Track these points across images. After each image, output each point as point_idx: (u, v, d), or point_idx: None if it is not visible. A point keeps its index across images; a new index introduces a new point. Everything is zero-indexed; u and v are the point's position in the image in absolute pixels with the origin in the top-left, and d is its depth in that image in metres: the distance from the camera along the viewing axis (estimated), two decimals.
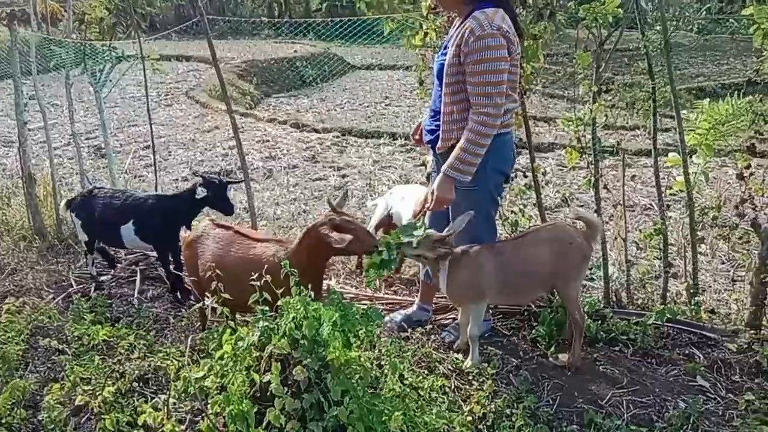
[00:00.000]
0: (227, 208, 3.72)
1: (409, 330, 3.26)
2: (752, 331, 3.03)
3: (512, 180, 3.67)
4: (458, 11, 2.81)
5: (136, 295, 3.88)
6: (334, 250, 2.72)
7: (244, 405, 2.18)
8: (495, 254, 2.90)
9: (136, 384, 2.73)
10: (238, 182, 4.11)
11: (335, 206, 2.72)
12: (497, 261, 2.87)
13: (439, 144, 2.87)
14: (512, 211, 3.74)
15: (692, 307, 3.33)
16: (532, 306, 3.41)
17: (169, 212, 3.69)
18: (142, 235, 3.74)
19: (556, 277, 2.89)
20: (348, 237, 2.59)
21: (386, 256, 2.66)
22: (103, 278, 4.10)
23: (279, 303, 2.37)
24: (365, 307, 2.51)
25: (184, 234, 3.19)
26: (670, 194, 4.76)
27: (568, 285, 2.90)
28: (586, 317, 3.16)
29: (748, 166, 3.22)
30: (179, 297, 3.76)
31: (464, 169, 2.69)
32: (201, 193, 3.60)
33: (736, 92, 3.45)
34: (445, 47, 2.83)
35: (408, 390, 2.51)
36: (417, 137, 3.21)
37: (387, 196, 4.05)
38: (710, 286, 4.05)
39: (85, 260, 4.16)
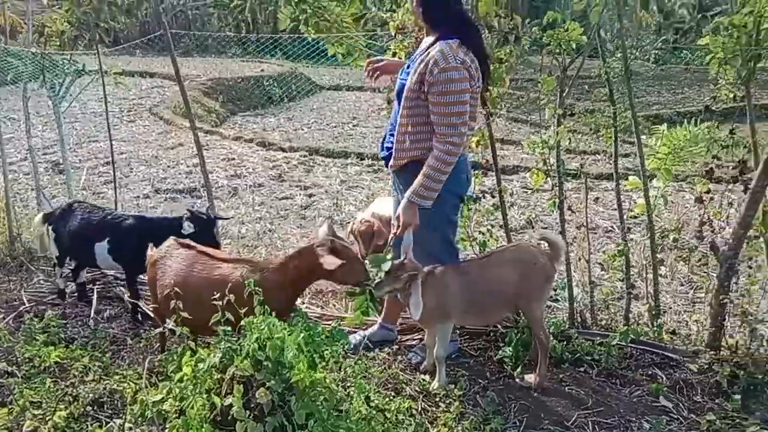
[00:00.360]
0: (213, 245, 3.52)
1: (375, 351, 3.22)
2: (712, 352, 3.09)
3: (479, 200, 3.70)
4: (426, 30, 2.88)
5: (92, 314, 3.74)
6: (322, 274, 2.73)
7: (204, 430, 2.11)
8: (460, 274, 2.90)
9: (90, 408, 2.61)
10: (228, 218, 3.99)
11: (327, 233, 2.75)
12: (462, 281, 2.87)
13: (391, 162, 2.93)
14: (480, 232, 3.75)
15: (654, 328, 3.39)
16: (499, 327, 3.42)
17: (146, 234, 3.50)
18: (116, 256, 3.59)
19: (519, 297, 2.91)
20: (339, 261, 2.60)
21: (366, 303, 2.67)
22: (69, 288, 3.95)
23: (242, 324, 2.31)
24: (330, 327, 2.47)
25: (149, 252, 3.08)
26: (631, 217, 4.87)
27: (531, 305, 2.92)
28: (552, 338, 3.18)
29: (708, 191, 3.32)
30: (139, 319, 3.64)
31: (427, 195, 2.75)
32: (188, 228, 3.46)
33: (692, 119, 3.57)
34: (409, 67, 2.87)
35: (374, 412, 2.47)
36: (370, 68, 3.24)
37: (367, 212, 3.88)
38: (670, 308, 4.13)
39: (51, 275, 3.98)
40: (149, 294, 3.17)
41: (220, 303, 2.38)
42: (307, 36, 3.83)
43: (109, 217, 3.66)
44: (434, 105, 2.69)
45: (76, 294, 3.98)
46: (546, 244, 3.06)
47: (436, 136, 2.72)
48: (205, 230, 3.52)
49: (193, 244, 3.00)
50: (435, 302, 2.82)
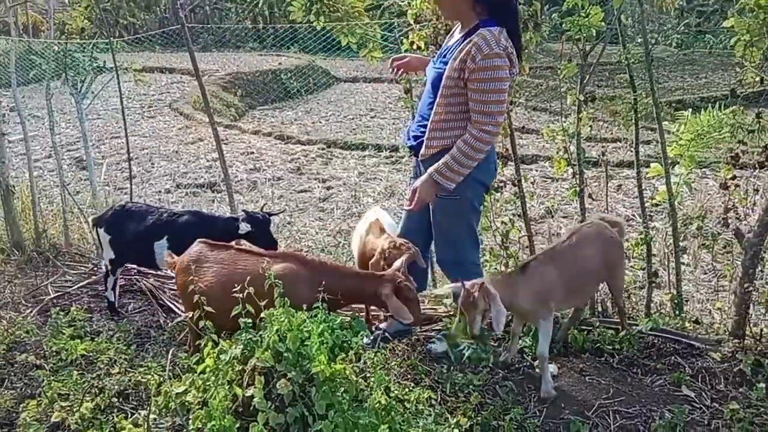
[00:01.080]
0: (272, 244, 3.51)
1: (394, 342, 3.23)
2: (736, 341, 3.04)
3: (501, 190, 3.68)
4: (462, 23, 2.82)
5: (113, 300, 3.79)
6: (375, 303, 2.74)
7: (226, 420, 2.13)
8: (555, 260, 2.87)
9: (116, 400, 2.66)
10: (280, 212, 3.92)
11: (402, 265, 2.71)
12: (559, 266, 2.85)
13: (422, 150, 2.88)
14: (503, 222, 3.72)
15: (676, 316, 3.34)
16: None
17: (204, 230, 3.41)
18: (177, 253, 3.53)
19: (606, 271, 3.05)
20: (405, 313, 2.58)
21: (482, 353, 2.69)
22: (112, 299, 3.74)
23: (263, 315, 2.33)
24: (350, 318, 2.49)
25: (168, 259, 2.97)
26: (653, 205, 4.81)
27: (616, 277, 3.11)
28: (572, 327, 3.17)
29: (733, 177, 3.26)
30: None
31: (450, 176, 2.73)
32: (245, 228, 3.41)
33: (716, 105, 3.50)
34: (444, 56, 2.84)
35: (394, 403, 2.48)
36: (394, 65, 3.26)
37: (362, 225, 3.55)
38: (693, 296, 4.08)
39: (104, 279, 3.76)
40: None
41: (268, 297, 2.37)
42: (317, 26, 3.80)
43: (165, 214, 3.60)
44: (473, 92, 2.66)
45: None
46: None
47: (471, 122, 2.70)
48: (262, 230, 3.48)
49: (224, 244, 2.91)
50: (539, 295, 2.78)
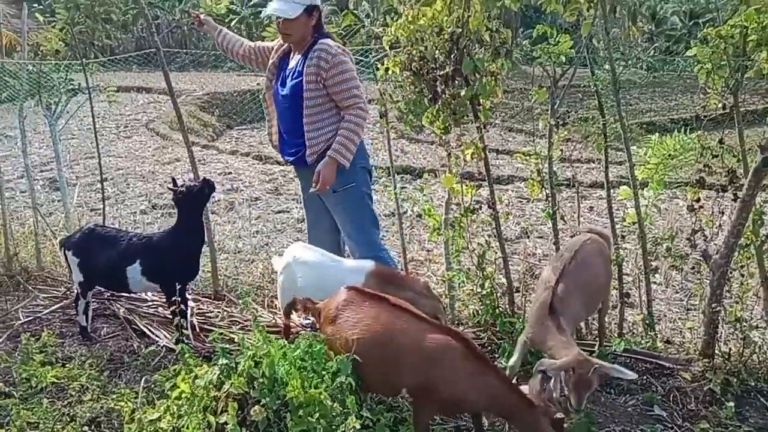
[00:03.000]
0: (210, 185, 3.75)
1: None
2: (705, 360, 3.10)
3: (477, 212, 3.72)
4: (303, 43, 3.35)
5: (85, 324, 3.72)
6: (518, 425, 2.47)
7: None
8: (572, 280, 2.88)
9: (87, 428, 2.62)
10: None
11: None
12: (578, 285, 2.89)
13: (308, 152, 3.34)
14: (479, 243, 3.75)
15: (648, 337, 3.40)
16: (494, 338, 3.43)
17: (174, 249, 3.47)
18: (151, 276, 3.46)
19: (606, 284, 3.18)
20: None
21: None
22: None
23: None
24: None
25: (308, 304, 2.83)
26: (625, 225, 4.90)
27: (608, 292, 3.27)
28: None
29: (698, 199, 3.35)
30: (186, 335, 3.39)
31: (345, 153, 3.26)
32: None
33: (684, 127, 3.60)
34: (292, 77, 3.36)
35: (371, 424, 2.48)
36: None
37: (290, 263, 3.34)
38: (665, 315, 4.15)
39: (75, 302, 3.67)
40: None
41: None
42: None
43: (135, 238, 3.55)
44: (336, 85, 3.25)
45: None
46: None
47: (345, 109, 3.30)
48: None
49: (378, 294, 2.66)
50: (575, 315, 2.90)
